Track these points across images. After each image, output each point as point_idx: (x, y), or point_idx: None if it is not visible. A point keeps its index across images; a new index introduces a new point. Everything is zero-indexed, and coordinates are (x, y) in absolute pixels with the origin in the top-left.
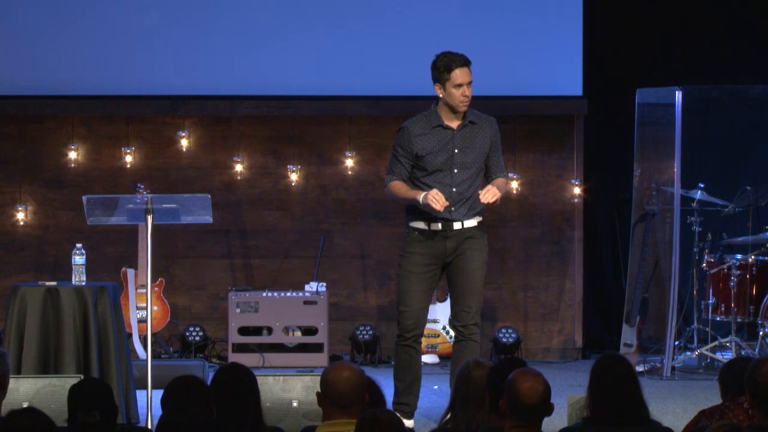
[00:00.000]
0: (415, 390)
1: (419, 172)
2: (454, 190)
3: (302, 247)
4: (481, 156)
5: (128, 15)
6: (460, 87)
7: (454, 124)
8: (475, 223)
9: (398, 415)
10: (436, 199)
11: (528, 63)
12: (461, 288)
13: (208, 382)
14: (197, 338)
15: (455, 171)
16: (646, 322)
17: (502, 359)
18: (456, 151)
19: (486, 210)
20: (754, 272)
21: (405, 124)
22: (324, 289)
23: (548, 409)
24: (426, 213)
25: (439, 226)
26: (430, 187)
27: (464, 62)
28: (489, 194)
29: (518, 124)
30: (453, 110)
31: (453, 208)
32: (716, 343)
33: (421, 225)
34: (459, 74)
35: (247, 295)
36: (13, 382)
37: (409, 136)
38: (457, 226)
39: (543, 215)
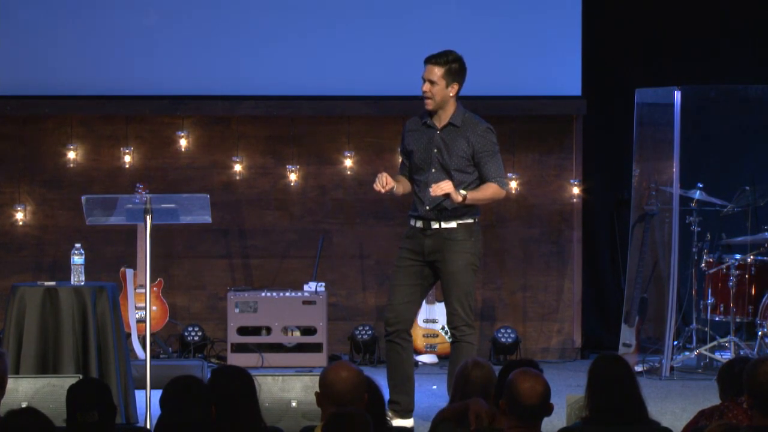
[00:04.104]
0: (406, 388)
1: (411, 168)
2: (430, 189)
3: (301, 247)
4: (459, 160)
5: (128, 15)
6: (423, 83)
7: (440, 123)
8: (454, 225)
9: (390, 414)
10: (378, 179)
11: (527, 63)
12: (445, 291)
13: (206, 383)
14: (196, 338)
15: (433, 171)
16: (645, 322)
17: (515, 360)
18: (435, 150)
19: (478, 212)
20: (752, 272)
21: (407, 120)
22: (323, 289)
23: (548, 410)
24: (413, 210)
25: (420, 224)
26: (417, 184)
27: (428, 59)
28: (438, 188)
29: (517, 124)
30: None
31: (427, 207)
32: (715, 343)
33: (411, 222)
34: (424, 71)
35: (246, 295)
36: (12, 382)
37: (404, 131)
38: (434, 225)
39: (542, 215)
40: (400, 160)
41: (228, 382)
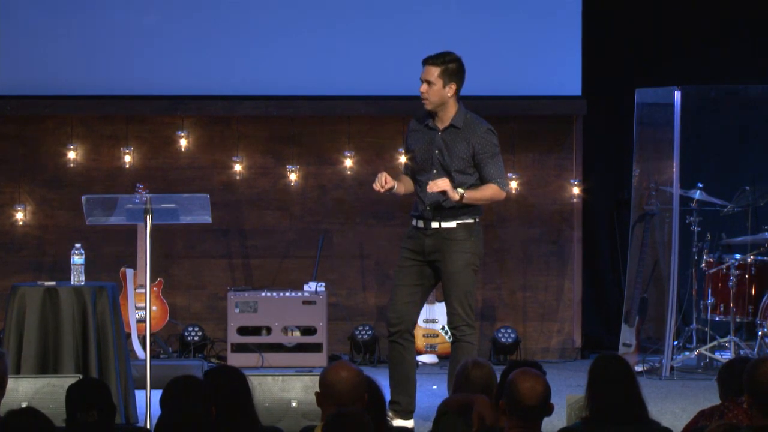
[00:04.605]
0: (407, 389)
1: (414, 169)
2: (427, 187)
3: (301, 247)
4: (460, 161)
5: (128, 15)
6: (421, 84)
7: (441, 125)
8: (454, 225)
9: (391, 414)
10: (377, 179)
11: (527, 63)
12: (445, 291)
13: None
14: (196, 338)
15: (434, 172)
16: (645, 322)
17: (517, 361)
18: (436, 152)
19: (479, 212)
20: (753, 272)
21: (411, 120)
22: (323, 289)
23: (548, 410)
24: (415, 210)
25: (421, 224)
26: (419, 185)
27: (425, 60)
28: (434, 185)
29: (517, 124)
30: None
31: (428, 207)
32: (715, 343)
33: (412, 221)
34: (422, 72)
35: (246, 295)
36: (12, 382)
37: (407, 131)
38: (434, 225)
39: (542, 215)
40: (401, 159)
41: (221, 382)
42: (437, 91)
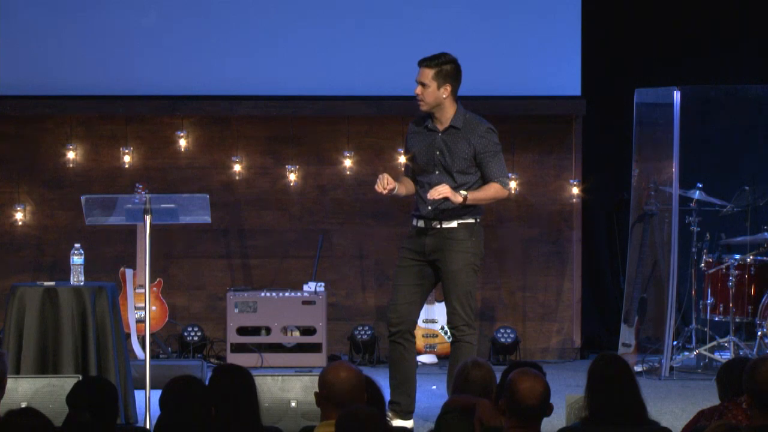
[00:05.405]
0: (407, 389)
1: (415, 170)
2: (428, 195)
3: (301, 247)
4: (462, 162)
5: (128, 15)
6: (417, 85)
7: (441, 126)
8: (455, 225)
9: (390, 414)
10: (379, 180)
11: (527, 63)
12: (445, 290)
13: (206, 383)
14: (195, 338)
15: (436, 173)
16: (644, 322)
17: (518, 362)
18: (437, 153)
19: (480, 212)
20: (752, 272)
21: (411, 122)
22: (322, 289)
23: (548, 410)
24: (416, 210)
25: (422, 223)
26: (421, 186)
27: (420, 62)
28: (435, 192)
29: (517, 124)
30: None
31: (430, 207)
32: (714, 343)
33: (413, 221)
34: (417, 74)
35: (246, 295)
36: (11, 382)
37: (408, 133)
38: (435, 224)
39: (541, 215)
40: (400, 160)
41: (229, 380)
42: (432, 93)
